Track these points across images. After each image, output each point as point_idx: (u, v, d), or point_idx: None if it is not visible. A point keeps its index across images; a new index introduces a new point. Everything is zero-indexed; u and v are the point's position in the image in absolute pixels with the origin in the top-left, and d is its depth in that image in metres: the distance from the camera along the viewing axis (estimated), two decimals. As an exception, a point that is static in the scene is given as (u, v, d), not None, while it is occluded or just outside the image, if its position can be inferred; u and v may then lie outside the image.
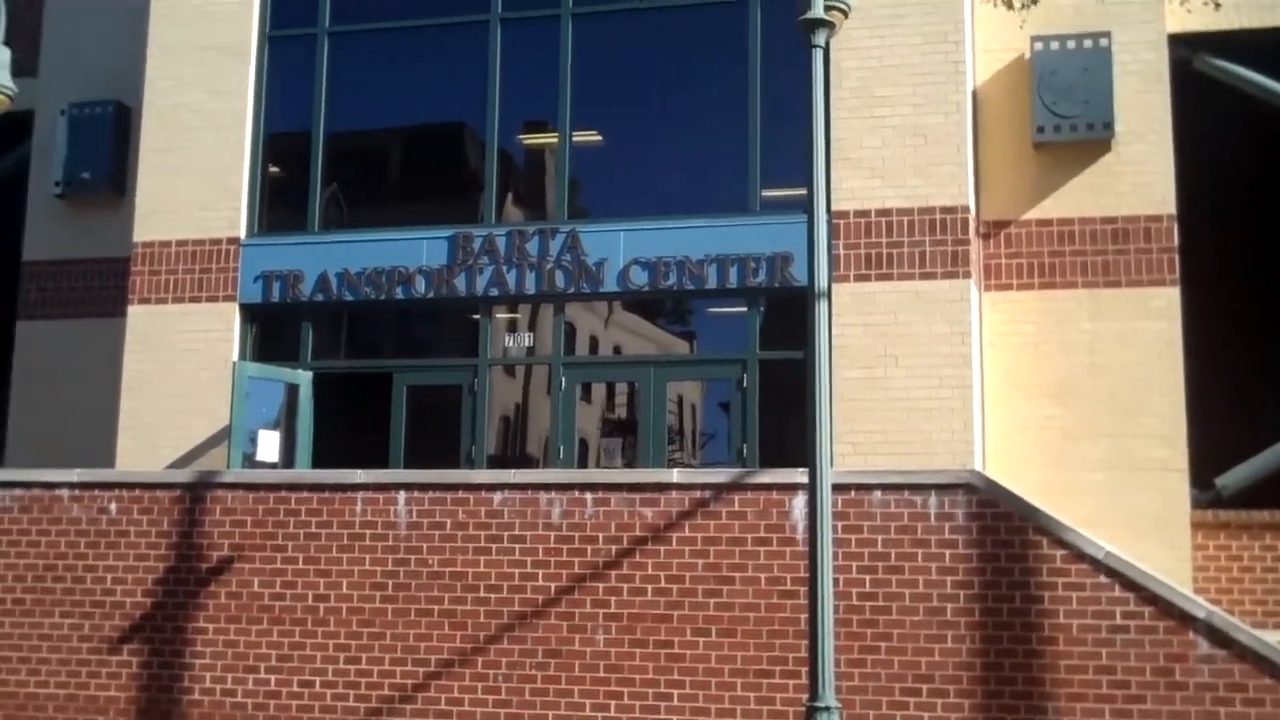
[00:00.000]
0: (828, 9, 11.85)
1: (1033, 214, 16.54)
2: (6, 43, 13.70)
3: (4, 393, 19.69)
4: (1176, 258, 16.08)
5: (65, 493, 14.78)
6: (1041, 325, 16.24)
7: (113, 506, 14.63)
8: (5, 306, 19.89)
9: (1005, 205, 16.64)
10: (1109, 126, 16.28)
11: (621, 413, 17.67)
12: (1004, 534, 12.61)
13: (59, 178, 19.53)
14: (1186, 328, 15.94)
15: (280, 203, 18.28)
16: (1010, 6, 12.06)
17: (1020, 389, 16.17)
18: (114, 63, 19.64)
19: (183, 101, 18.21)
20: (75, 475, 14.88)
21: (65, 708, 14.29)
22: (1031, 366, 16.18)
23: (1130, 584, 12.21)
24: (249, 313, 17.77)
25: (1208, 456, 16.02)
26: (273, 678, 13.86)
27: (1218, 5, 12.49)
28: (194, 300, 17.68)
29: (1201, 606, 12.19)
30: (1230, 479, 16.23)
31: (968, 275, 15.71)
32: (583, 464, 16.88)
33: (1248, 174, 17.15)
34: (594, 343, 17.62)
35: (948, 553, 12.68)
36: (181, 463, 16.97)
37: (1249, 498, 16.15)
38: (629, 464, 16.66)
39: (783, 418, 16.32)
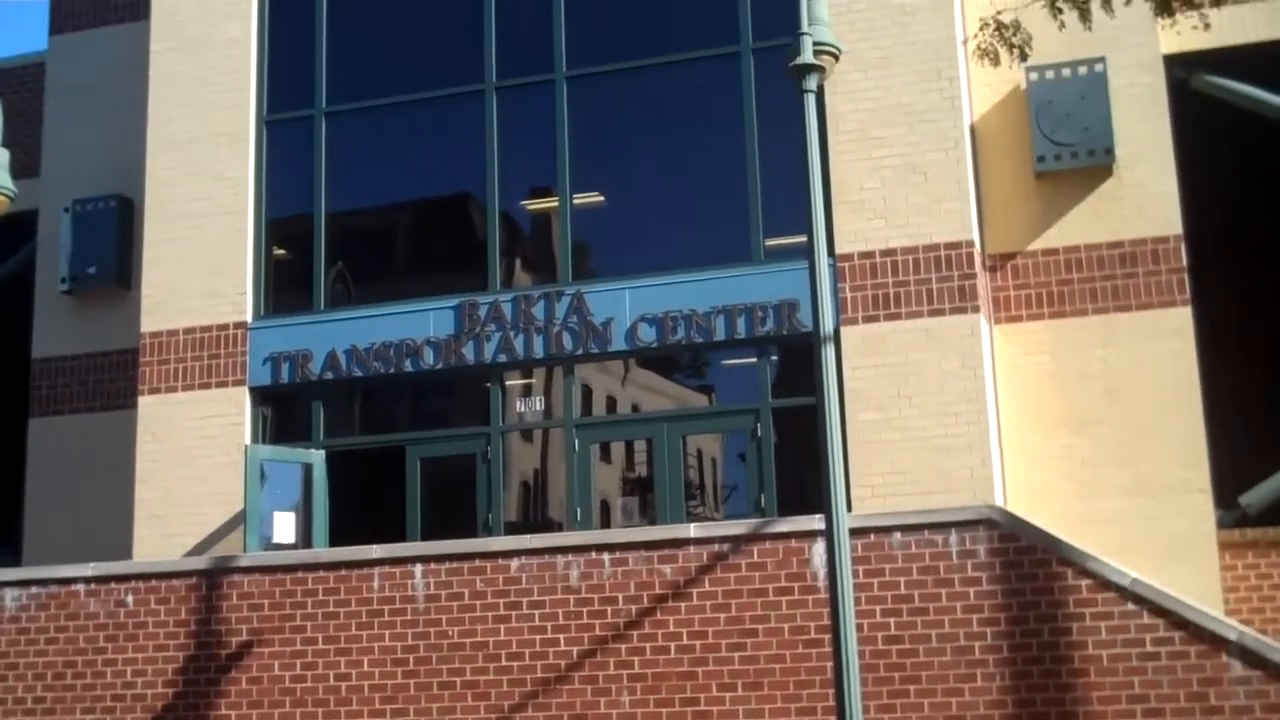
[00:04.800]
0: (817, 53, 11.92)
1: (1038, 244, 16.39)
2: (5, 144, 13.73)
3: (19, 491, 19.69)
4: (1186, 278, 15.89)
5: (81, 587, 14.74)
6: (1055, 354, 16.05)
7: (129, 598, 14.56)
8: (17, 405, 19.94)
9: (1010, 237, 16.50)
10: (1110, 151, 16.14)
11: (642, 471, 17.51)
12: (1028, 567, 12.44)
13: (65, 274, 19.58)
14: (1201, 347, 15.72)
15: (286, 284, 18.28)
16: (996, 63, 11.94)
17: (1037, 420, 15.96)
18: (115, 157, 19.74)
19: (183, 191, 18.26)
20: (90, 569, 14.85)
21: (90, 805, 14.21)
22: (1047, 397, 15.97)
23: (1159, 610, 12.03)
24: (259, 395, 17.72)
25: (1231, 476, 15.74)
26: (298, 761, 13.73)
27: (1207, 26, 12.32)
28: (204, 387, 17.65)
29: (1233, 628, 11.97)
30: (1255, 496, 15.93)
31: (976, 309, 15.57)
32: (606, 525, 16.72)
33: (1254, 189, 16.95)
34: (611, 402, 17.51)
35: (972, 590, 12.51)
36: (200, 549, 16.89)
37: (1275, 514, 15.84)
38: (651, 522, 16.49)
39: (802, 465, 16.15)
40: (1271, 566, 15.38)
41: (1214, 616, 12.12)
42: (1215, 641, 11.84)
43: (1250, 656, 11.73)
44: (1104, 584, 12.20)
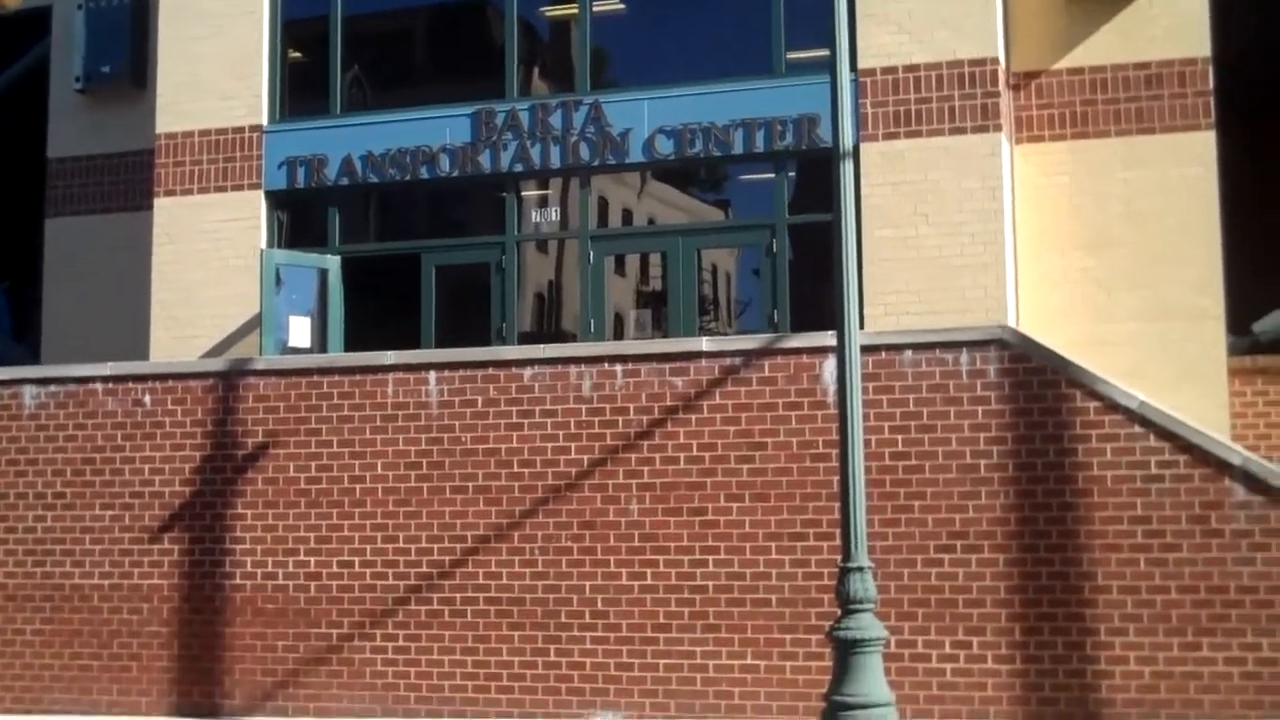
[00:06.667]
0: None
1: (1063, 63, 16.13)
2: (16, -63, 13.51)
3: (37, 291, 19.78)
4: (1213, 101, 15.66)
5: (99, 386, 14.86)
6: (1075, 176, 15.91)
7: (147, 398, 14.71)
8: (33, 204, 19.92)
9: (1035, 55, 16.24)
10: (1141, -31, 15.82)
11: (656, 285, 17.53)
12: (1037, 388, 12.48)
13: (79, 72, 19.40)
14: (1222, 173, 15.57)
15: (302, 88, 18.12)
16: None
17: (1054, 242, 15.90)
18: (130, -48, 19.45)
19: (199, -11, 18.01)
20: (108, 369, 14.95)
21: (109, 597, 14.51)
22: (1065, 219, 15.88)
23: (1165, 433, 12.08)
24: (275, 199, 17.69)
25: (1245, 303, 15.73)
26: (312, 559, 14.00)
27: None
28: (219, 190, 17.62)
29: (1238, 453, 12.05)
30: (1268, 324, 15.98)
31: (998, 128, 15.40)
32: (619, 337, 16.80)
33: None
34: (627, 215, 17.45)
35: (980, 409, 12.58)
36: (216, 352, 17.02)
37: (1287, 342, 15.92)
38: (664, 335, 16.56)
39: (817, 282, 16.13)
40: (1280, 394, 15.49)
41: (1220, 441, 12.19)
42: (1220, 466, 11.92)
43: (1253, 481, 11.81)
44: (1112, 406, 12.25)
